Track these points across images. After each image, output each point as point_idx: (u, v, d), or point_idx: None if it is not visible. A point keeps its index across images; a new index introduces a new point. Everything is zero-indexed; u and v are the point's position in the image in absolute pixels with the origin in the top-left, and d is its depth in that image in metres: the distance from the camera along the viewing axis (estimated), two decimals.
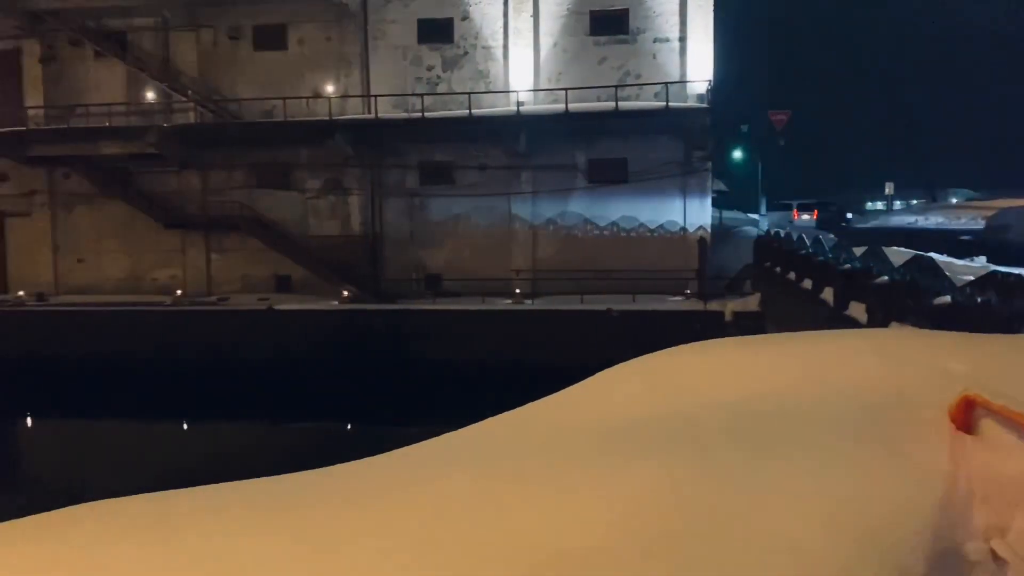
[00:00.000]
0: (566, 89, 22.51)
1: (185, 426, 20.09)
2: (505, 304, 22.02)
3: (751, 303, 20.56)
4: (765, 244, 21.58)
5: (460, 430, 6.61)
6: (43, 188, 26.18)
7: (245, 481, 5.36)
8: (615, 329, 19.75)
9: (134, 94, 25.45)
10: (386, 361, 20.90)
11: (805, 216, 36.23)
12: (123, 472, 15.79)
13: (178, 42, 25.25)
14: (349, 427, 19.40)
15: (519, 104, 22.71)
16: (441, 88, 24.26)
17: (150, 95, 25.21)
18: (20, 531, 4.20)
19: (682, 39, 23.61)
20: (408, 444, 6.15)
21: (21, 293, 25.03)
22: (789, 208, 37.13)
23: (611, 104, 22.36)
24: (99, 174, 25.18)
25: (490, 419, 6.78)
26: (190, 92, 24.57)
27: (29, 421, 21.01)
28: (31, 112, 25.62)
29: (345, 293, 23.32)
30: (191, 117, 24.78)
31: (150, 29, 25.42)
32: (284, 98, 23.84)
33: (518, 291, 22.57)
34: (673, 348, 7.63)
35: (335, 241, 24.77)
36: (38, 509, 4.57)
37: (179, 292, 24.62)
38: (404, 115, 23.44)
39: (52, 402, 21.14)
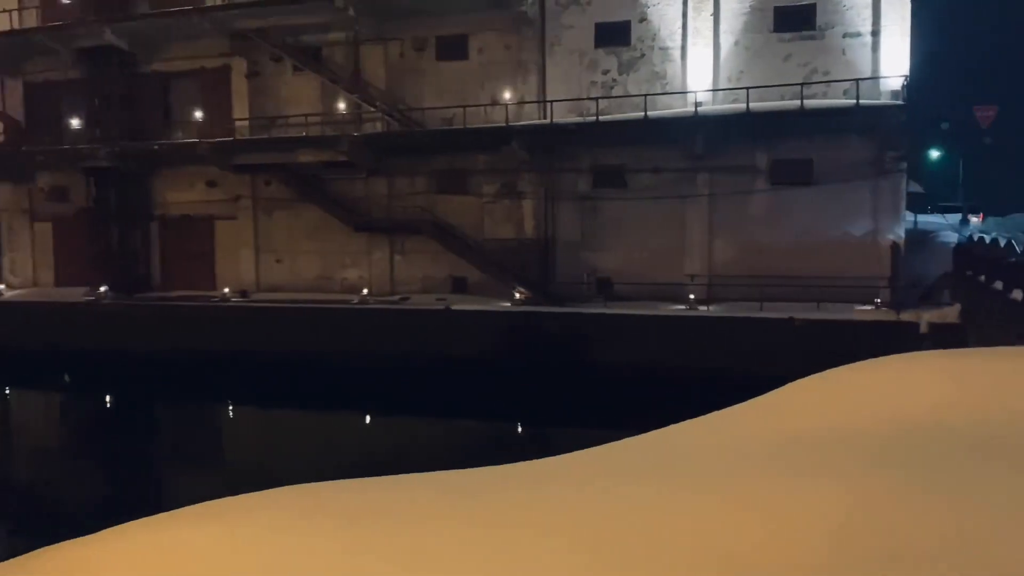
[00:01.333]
0: (747, 88, 21.72)
1: (368, 419, 21.08)
2: (678, 310, 21.59)
3: (950, 314, 18.98)
4: (967, 251, 19.86)
5: (640, 436, 6.49)
6: (247, 194, 28.46)
7: (432, 473, 5.52)
8: (797, 339, 18.84)
9: (327, 105, 27.14)
10: (556, 363, 21.07)
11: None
12: (311, 459, 16.87)
13: (368, 55, 26.68)
14: (520, 427, 19.68)
15: (697, 105, 22.17)
16: (617, 91, 24.15)
17: (342, 106, 26.77)
18: (231, 507, 4.52)
19: (875, 33, 22.19)
20: (577, 446, 6.12)
21: (226, 290, 27.35)
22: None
23: (796, 103, 21.37)
24: (295, 180, 27.05)
25: (671, 427, 6.63)
26: (378, 103, 25.86)
27: (230, 408, 22.83)
28: (238, 124, 27.93)
29: (517, 295, 23.72)
30: (378, 126, 26.08)
31: (342, 44, 26.99)
32: (464, 106, 24.58)
33: (692, 297, 22.05)
34: (865, 361, 7.12)
35: (509, 244, 25.25)
36: (236, 489, 4.90)
37: (365, 291, 25.99)
38: (579, 119, 23.51)
39: (251, 391, 22.91)
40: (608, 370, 20.04)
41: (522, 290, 23.82)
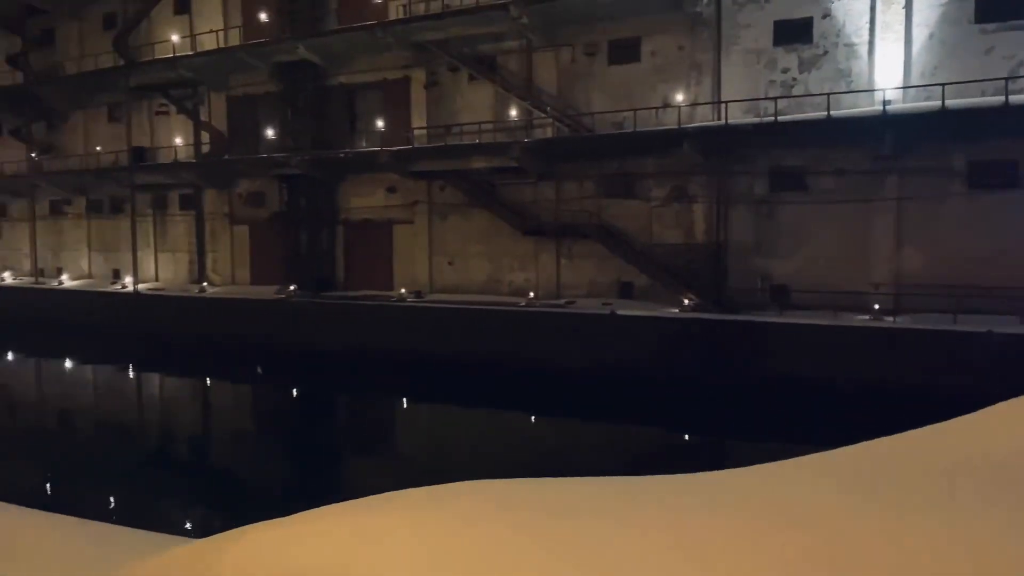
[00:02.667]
0: (943, 84, 20.19)
1: (533, 419, 21.34)
2: (862, 320, 20.37)
3: None
4: None
5: (832, 451, 6.16)
6: (423, 199, 29.69)
7: (612, 477, 5.48)
8: (998, 354, 17.29)
9: (500, 112, 27.81)
10: (726, 372, 20.47)
11: None
12: (482, 455, 17.30)
13: (540, 62, 27.12)
14: (687, 436, 19.27)
15: (885, 103, 20.85)
16: (797, 90, 23.15)
17: (513, 112, 27.34)
18: (419, 497, 4.68)
19: None
20: (751, 460, 5.87)
21: (403, 290, 28.64)
22: None
23: (999, 99, 19.60)
24: (468, 186, 27.90)
25: (867, 442, 6.24)
26: (548, 108, 26.19)
27: (404, 403, 23.82)
28: (416, 132, 29.19)
29: (686, 301, 23.27)
30: (549, 132, 26.39)
31: (515, 52, 27.59)
32: (635, 109, 24.42)
33: (876, 307, 20.75)
34: None
35: (678, 249, 24.82)
36: (415, 481, 5.05)
37: (532, 294, 26.40)
38: (755, 120, 22.73)
39: (423, 387, 23.81)
40: (784, 382, 19.23)
41: (691, 296, 23.34)
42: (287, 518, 4.25)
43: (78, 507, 5.64)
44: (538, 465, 15.76)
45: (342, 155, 29.95)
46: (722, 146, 23.42)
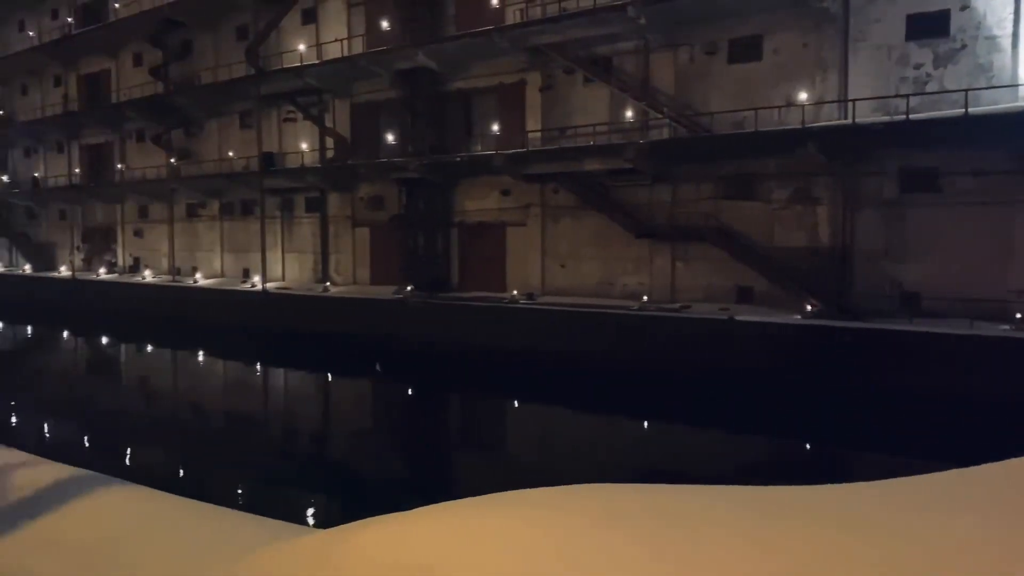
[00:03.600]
0: None
1: (645, 424, 21.08)
2: (1003, 330, 19.10)
3: None
4: None
5: (968, 469, 5.80)
6: (536, 202, 29.86)
7: (730, 487, 5.34)
8: None
9: (615, 114, 27.64)
10: (852, 381, 19.62)
11: None
12: (593, 459, 17.24)
13: (657, 62, 26.80)
14: (808, 446, 18.58)
15: None
16: (931, 87, 21.96)
17: (629, 114, 27.12)
18: (534, 498, 4.69)
19: None
20: (882, 474, 5.58)
21: (515, 292, 28.88)
22: None
23: None
24: (582, 188, 27.86)
25: (1006, 461, 5.84)
26: (665, 108, 25.84)
27: (516, 403, 24.00)
28: (530, 135, 29.38)
29: (808, 307, 22.45)
30: (665, 133, 26.03)
31: (632, 52, 27.36)
32: (756, 108, 23.77)
33: (1020, 315, 19.41)
34: None
35: (800, 253, 24.00)
36: (527, 482, 5.05)
37: (645, 298, 26.10)
38: (885, 118, 21.68)
39: (534, 388, 23.93)
40: (914, 394, 18.26)
41: (813, 302, 22.50)
42: (407, 513, 4.35)
43: (207, 492, 5.94)
44: (649, 471, 15.57)
45: (458, 159, 30.48)
46: (849, 146, 22.47)
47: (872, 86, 22.74)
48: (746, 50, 25.14)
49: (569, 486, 4.97)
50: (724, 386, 20.92)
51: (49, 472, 5.83)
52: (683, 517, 4.38)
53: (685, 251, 26.42)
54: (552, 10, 27.69)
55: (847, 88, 23.21)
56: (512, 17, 29.21)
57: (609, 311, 25.09)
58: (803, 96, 23.57)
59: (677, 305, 25.29)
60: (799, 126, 22.56)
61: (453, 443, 20.30)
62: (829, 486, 5.33)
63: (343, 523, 4.42)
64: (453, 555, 3.82)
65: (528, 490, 4.91)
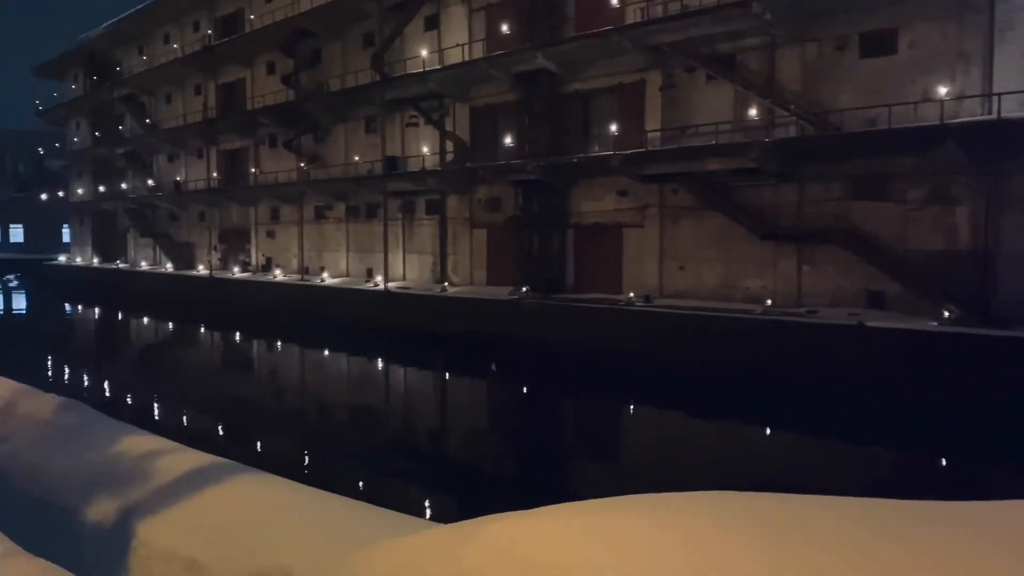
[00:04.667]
0: None
1: (767, 431, 20.46)
2: None
3: None
4: None
5: None
6: (654, 203, 29.48)
7: (863, 499, 5.08)
8: None
9: (738, 112, 26.94)
10: (995, 394, 18.36)
11: None
12: (712, 465, 16.83)
13: (783, 58, 25.95)
14: (944, 462, 17.53)
15: None
16: None
17: (752, 112, 26.37)
18: (654, 504, 4.60)
19: None
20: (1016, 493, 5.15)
21: (631, 294, 28.60)
22: None
23: None
24: (702, 188, 27.30)
25: None
26: (792, 106, 24.97)
27: (631, 406, 23.77)
28: (649, 135, 29.04)
29: (945, 314, 21.18)
30: (791, 131, 25.17)
31: (756, 49, 26.61)
32: (889, 105, 22.64)
33: None
34: None
35: (936, 256, 22.68)
36: (638, 487, 4.96)
37: (768, 302, 25.30)
38: None
39: (649, 392, 23.63)
40: None
41: (952, 308, 21.22)
42: (529, 511, 4.37)
43: (329, 482, 6.17)
44: (772, 480, 15.07)
45: (575, 160, 30.48)
46: (994, 143, 21.05)
47: (1020, 79, 21.22)
48: (879, 44, 23.96)
49: (693, 492, 4.88)
50: (854, 395, 20.02)
51: (189, 459, 6.18)
52: (810, 528, 4.22)
53: (811, 253, 25.44)
54: (673, 8, 27.30)
55: (992, 82, 21.77)
56: (632, 16, 28.96)
57: (730, 315, 24.47)
58: (942, 91, 22.25)
59: (803, 310, 24.38)
60: (937, 122, 21.32)
61: (568, 444, 20.30)
62: (978, 503, 5.01)
63: (459, 519, 4.48)
64: (581, 554, 3.81)
65: (652, 494, 4.85)
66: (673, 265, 29.14)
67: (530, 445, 19.58)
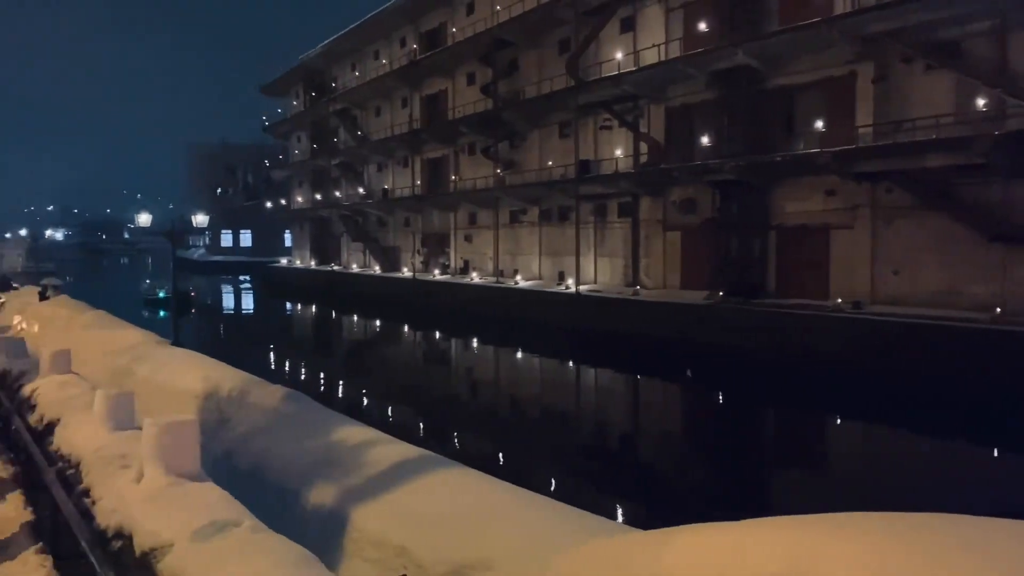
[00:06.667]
0: None
1: (994, 452, 18.58)
2: None
3: None
4: None
5: None
6: (865, 202, 27.62)
7: None
8: None
9: (962, 103, 24.69)
10: None
11: None
12: (935, 486, 15.52)
13: (1017, 43, 23.47)
14: None
15: None
16: None
17: (980, 103, 24.06)
18: (868, 524, 4.25)
19: None
20: None
21: (839, 300, 26.94)
22: None
23: None
24: (919, 186, 25.26)
25: None
26: None
27: (838, 420, 22.41)
28: (860, 131, 27.27)
29: None
30: None
31: (984, 34, 24.27)
32: None
33: None
34: None
35: None
36: (846, 505, 4.58)
37: (998, 310, 22.94)
38: None
39: (858, 405, 22.13)
40: None
41: None
42: (730, 523, 4.23)
43: (522, 480, 6.27)
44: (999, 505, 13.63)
45: (777, 158, 29.20)
46: None
47: None
48: None
49: (914, 513, 4.54)
50: None
51: (398, 451, 6.51)
52: None
53: None
54: None
55: None
56: (841, 6, 27.36)
57: (952, 324, 22.45)
58: None
59: None
60: None
61: (765, 457, 19.44)
62: None
63: (653, 526, 4.42)
64: (796, 571, 3.67)
65: (866, 513, 4.57)
66: (886, 269, 27.16)
67: (721, 455, 18.98)
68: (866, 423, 21.42)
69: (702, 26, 32.64)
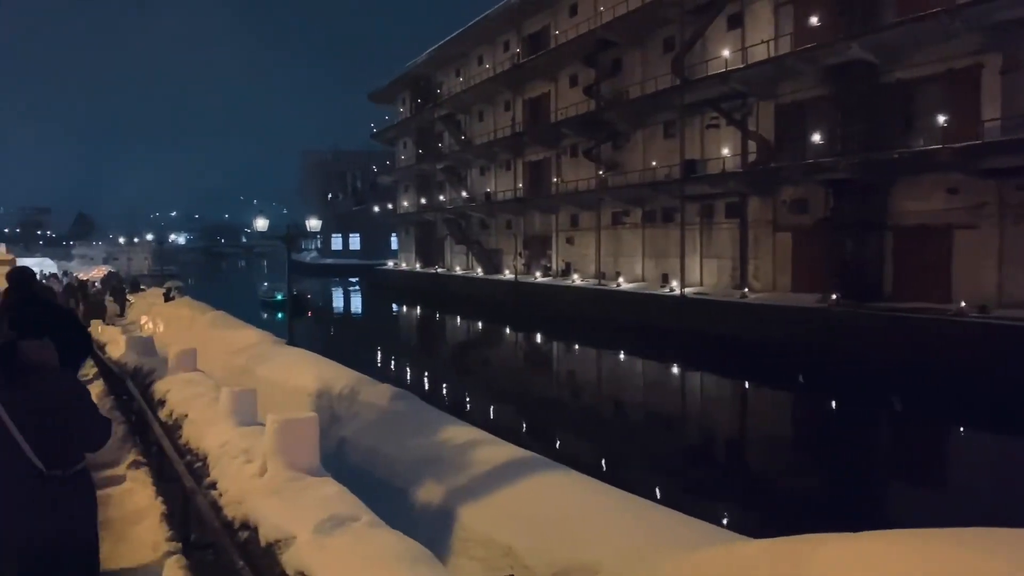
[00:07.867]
0: None
1: None
2: None
3: None
4: None
5: None
6: (993, 200, 26.04)
7: None
8: None
9: None
10: None
11: None
12: None
13: None
14: None
15: None
16: None
17: None
18: (1007, 539, 3.97)
19: None
20: None
21: (963, 304, 25.43)
22: None
23: None
24: None
25: None
26: None
27: (961, 431, 21.22)
28: (987, 125, 25.74)
29: None
30: None
31: None
32: None
33: None
34: None
35: None
36: (975, 521, 4.26)
37: None
38: None
39: (990, 417, 20.87)
40: None
41: None
42: (860, 534, 4.07)
43: (628, 483, 6.17)
44: None
45: (896, 155, 27.87)
46: None
47: None
48: None
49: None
50: None
51: (503, 452, 6.53)
52: None
53: None
54: None
55: None
56: None
57: None
58: None
59: None
60: None
61: (880, 467, 18.57)
62: None
63: (766, 535, 4.28)
64: None
65: (976, 528, 4.30)
66: (1017, 271, 25.51)
67: (831, 463, 18.25)
68: (994, 434, 20.19)
69: (813, 20, 31.53)
